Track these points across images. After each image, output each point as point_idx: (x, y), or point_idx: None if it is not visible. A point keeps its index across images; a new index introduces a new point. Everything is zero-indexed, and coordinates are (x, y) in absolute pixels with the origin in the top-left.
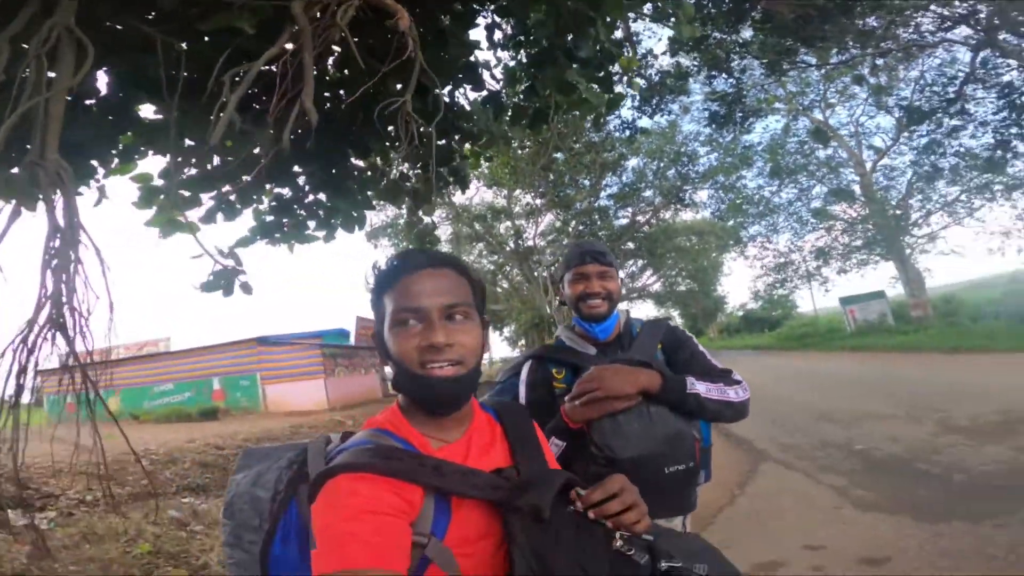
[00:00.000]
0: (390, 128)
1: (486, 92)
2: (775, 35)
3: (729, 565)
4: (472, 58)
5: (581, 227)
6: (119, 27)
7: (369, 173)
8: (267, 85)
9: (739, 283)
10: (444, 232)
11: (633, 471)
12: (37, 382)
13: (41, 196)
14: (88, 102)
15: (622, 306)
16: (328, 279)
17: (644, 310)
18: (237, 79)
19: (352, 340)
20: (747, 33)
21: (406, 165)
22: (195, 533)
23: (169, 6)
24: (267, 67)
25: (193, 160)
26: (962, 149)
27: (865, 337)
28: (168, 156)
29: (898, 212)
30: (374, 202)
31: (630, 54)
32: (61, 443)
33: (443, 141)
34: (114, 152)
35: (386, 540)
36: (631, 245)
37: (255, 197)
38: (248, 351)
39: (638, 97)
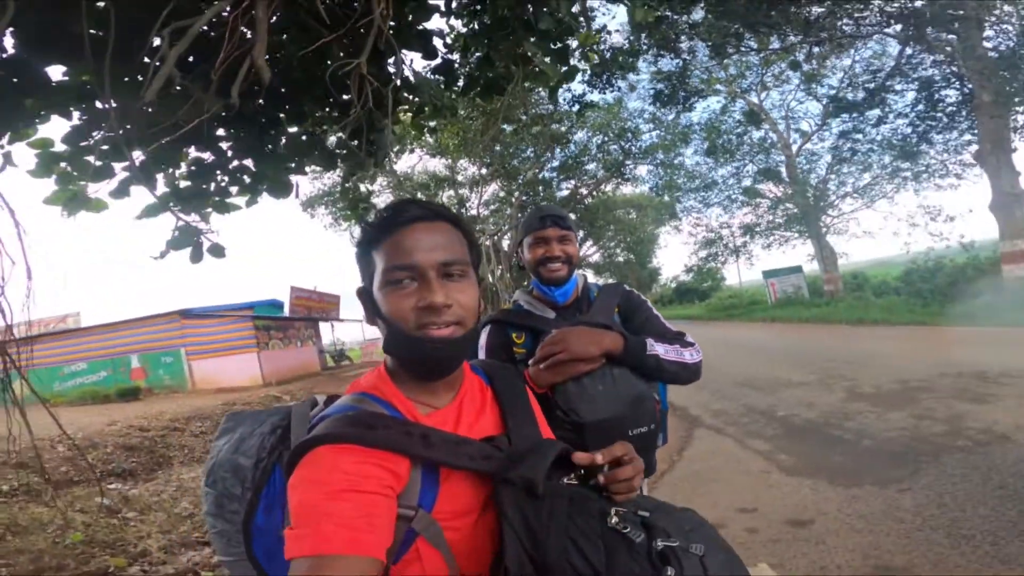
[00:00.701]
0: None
1: (438, 61)
2: (724, 18)
3: (723, 542)
4: (426, 25)
5: (524, 197)
6: None
7: (303, 139)
8: (199, 46)
9: (673, 256)
10: (385, 200)
11: (600, 434)
12: None
13: None
14: None
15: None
16: (258, 251)
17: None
18: (162, 37)
19: (286, 311)
20: (698, 15)
21: (336, 133)
22: (128, 520)
23: None
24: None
25: (104, 125)
26: (879, 137)
27: (783, 309)
28: (72, 121)
29: (817, 194)
30: (308, 169)
31: (585, 30)
32: None
33: (391, 108)
34: (16, 116)
35: (368, 522)
36: (573, 216)
37: (167, 163)
38: (170, 325)
39: (589, 72)
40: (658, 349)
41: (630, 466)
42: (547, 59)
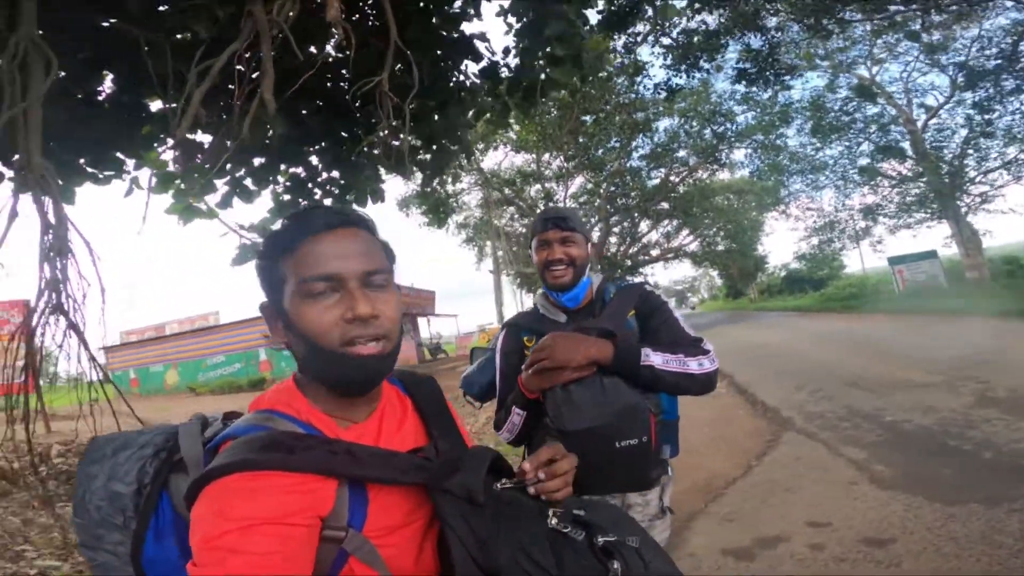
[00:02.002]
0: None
1: (484, 64)
2: None
3: (649, 535)
4: (464, 30)
5: (613, 188)
6: (106, 27)
7: (376, 151)
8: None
9: (781, 243)
10: (474, 197)
11: (583, 444)
12: (102, 360)
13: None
14: (100, 99)
15: (660, 273)
16: None
17: (681, 270)
18: (188, 78)
19: None
20: None
21: (412, 138)
22: None
23: (136, 7)
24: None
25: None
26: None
27: (913, 299)
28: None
29: (952, 170)
30: (387, 175)
31: (658, 12)
32: (126, 417)
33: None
34: (133, 144)
35: (284, 556)
36: (665, 205)
37: (271, 179)
38: None
39: (669, 56)
40: (654, 359)
41: (559, 467)
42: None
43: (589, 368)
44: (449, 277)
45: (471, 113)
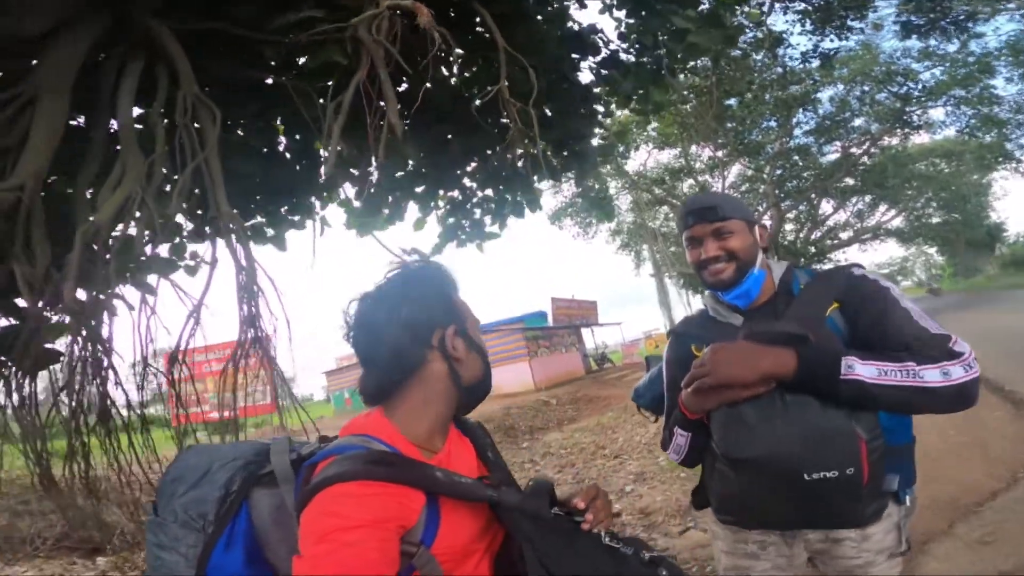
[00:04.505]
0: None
1: (604, 55)
2: None
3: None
4: (576, 25)
5: (779, 171)
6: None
7: (520, 162)
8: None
9: (1020, 205)
10: (624, 201)
11: (759, 473)
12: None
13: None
14: (280, 150)
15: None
16: (517, 265)
17: (884, 251)
18: (325, 115)
19: (550, 321)
20: None
21: (543, 144)
22: None
23: (273, 56)
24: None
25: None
26: None
27: None
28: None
29: None
30: (540, 183)
31: None
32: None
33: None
34: (315, 187)
35: (380, 555)
36: (850, 181)
37: (432, 204)
38: None
39: (807, 22)
40: (863, 371)
41: (601, 502)
42: (704, 29)
43: (765, 384)
44: (608, 286)
45: (607, 105)
